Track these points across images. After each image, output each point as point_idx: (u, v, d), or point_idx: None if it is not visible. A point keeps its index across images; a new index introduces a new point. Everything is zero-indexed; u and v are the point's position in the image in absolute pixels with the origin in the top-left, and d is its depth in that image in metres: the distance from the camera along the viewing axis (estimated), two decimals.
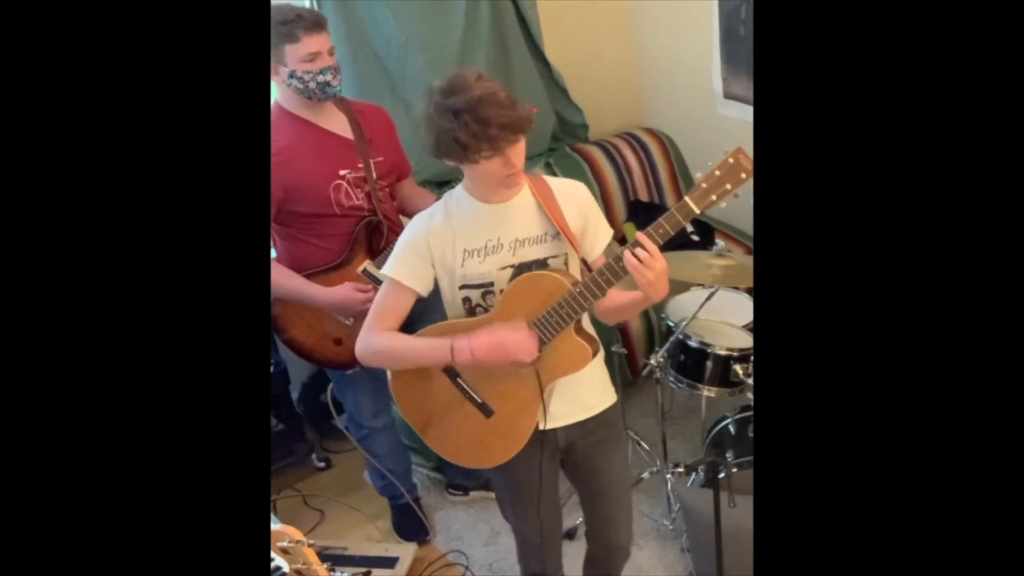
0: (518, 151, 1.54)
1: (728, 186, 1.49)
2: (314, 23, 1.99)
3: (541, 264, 1.66)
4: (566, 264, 1.69)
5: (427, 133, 1.52)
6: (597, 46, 3.50)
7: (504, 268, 1.65)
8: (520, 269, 1.65)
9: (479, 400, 1.74)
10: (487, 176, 1.56)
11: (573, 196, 1.69)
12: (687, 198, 1.51)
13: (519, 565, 2.03)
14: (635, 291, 1.59)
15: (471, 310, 1.69)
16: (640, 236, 1.52)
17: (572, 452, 1.82)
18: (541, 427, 1.72)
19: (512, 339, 1.59)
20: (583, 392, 1.77)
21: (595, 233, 1.71)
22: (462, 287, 1.67)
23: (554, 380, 1.69)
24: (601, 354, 1.76)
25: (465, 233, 1.64)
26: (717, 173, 1.48)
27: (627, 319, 1.55)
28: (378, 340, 1.67)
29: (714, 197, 1.49)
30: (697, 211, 1.51)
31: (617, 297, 1.66)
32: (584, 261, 1.72)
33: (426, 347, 1.67)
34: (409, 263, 1.65)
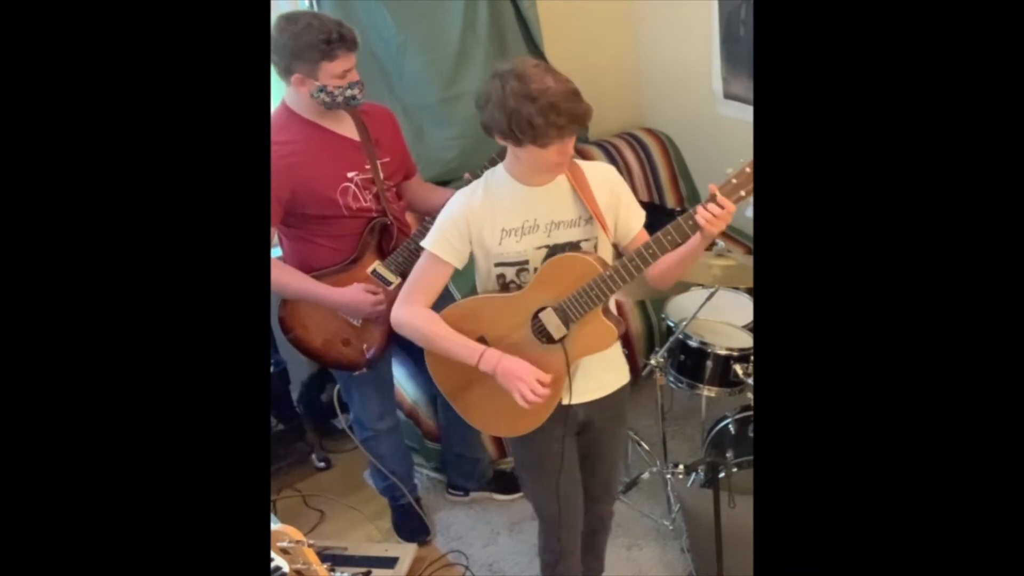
0: (572, 142, 1.65)
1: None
2: (353, 42, 2.01)
3: (574, 246, 1.74)
4: (596, 248, 1.77)
5: (498, 113, 1.59)
6: (597, 46, 3.50)
7: (539, 248, 1.74)
8: (554, 250, 1.74)
9: None
10: (540, 161, 1.65)
11: (605, 179, 1.78)
12: (717, 192, 1.58)
13: (539, 545, 2.06)
14: (690, 242, 1.66)
15: (504, 286, 1.78)
16: (714, 190, 1.59)
17: (588, 427, 1.91)
18: (565, 403, 1.81)
19: (527, 380, 1.69)
20: (602, 371, 1.86)
21: (628, 214, 1.79)
22: (498, 264, 1.76)
23: (580, 358, 1.78)
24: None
25: (504, 213, 1.73)
26: (748, 170, 1.56)
27: (679, 275, 1.67)
28: (415, 318, 1.76)
29: (743, 193, 1.57)
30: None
31: (666, 258, 1.70)
32: (615, 247, 1.81)
33: (459, 345, 1.75)
34: (447, 239, 1.74)
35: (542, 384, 1.70)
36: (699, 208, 1.60)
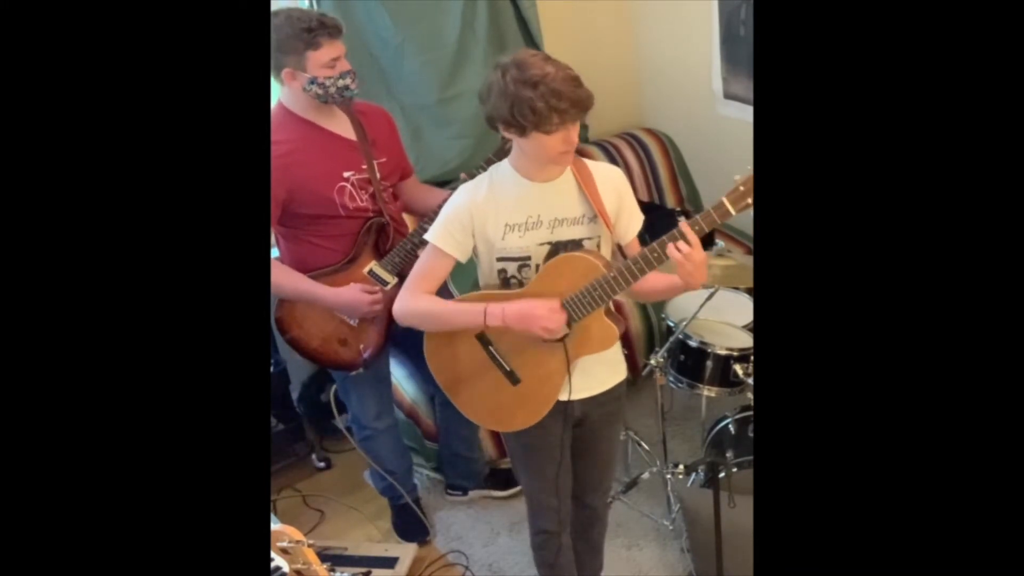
0: (576, 129, 1.64)
1: None
2: (336, 29, 2.00)
3: (576, 244, 1.75)
4: (599, 246, 1.77)
5: (500, 102, 1.59)
6: (597, 46, 3.49)
7: (542, 244, 1.74)
8: (556, 247, 1.74)
9: (508, 368, 1.83)
10: (544, 151, 1.64)
11: (611, 181, 1.79)
12: (724, 198, 1.58)
13: (528, 524, 2.07)
14: (673, 276, 1.68)
15: (505, 281, 1.78)
16: (683, 227, 1.61)
17: (584, 421, 1.92)
18: (564, 399, 1.83)
19: (542, 313, 1.69)
20: (600, 368, 1.87)
21: (629, 218, 1.81)
22: (500, 259, 1.76)
23: (581, 356, 1.79)
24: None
25: (508, 208, 1.73)
26: None
27: (661, 299, 1.70)
28: (416, 302, 1.78)
29: (750, 200, 1.56)
30: (733, 212, 1.58)
31: (655, 281, 1.76)
32: (618, 245, 1.82)
33: (461, 311, 1.76)
34: (450, 232, 1.74)
35: (552, 310, 1.69)
36: (669, 244, 1.61)
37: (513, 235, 1.73)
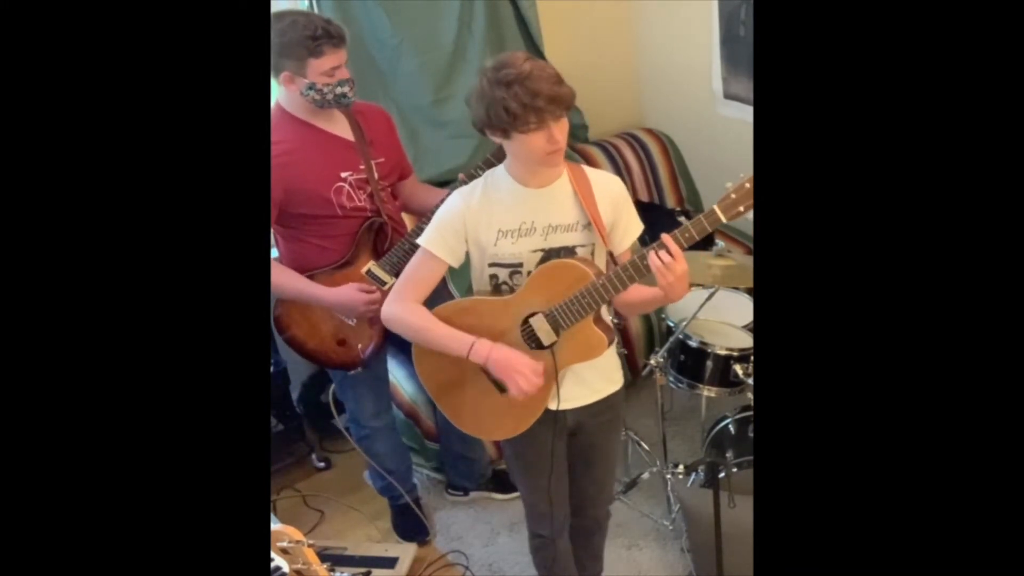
0: (562, 128, 1.60)
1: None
2: (340, 39, 2.00)
3: (569, 252, 1.72)
4: (592, 254, 1.75)
5: (478, 105, 1.58)
6: (597, 46, 3.50)
7: (535, 251, 1.72)
8: (549, 254, 1.72)
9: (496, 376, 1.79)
10: (530, 151, 1.61)
11: (608, 190, 1.75)
12: (715, 206, 1.56)
13: (527, 526, 2.07)
14: (655, 288, 1.66)
15: (496, 287, 1.76)
16: (665, 239, 1.59)
17: (579, 431, 1.90)
18: (553, 408, 1.80)
19: (525, 372, 1.69)
20: (594, 376, 1.84)
21: (625, 228, 1.78)
22: (492, 264, 1.74)
23: (569, 365, 1.76)
24: (615, 340, 1.84)
25: (501, 213, 1.71)
26: (747, 185, 1.53)
27: (644, 312, 1.67)
28: (406, 313, 1.75)
29: (741, 208, 1.54)
30: (724, 219, 1.56)
31: (637, 292, 1.73)
32: (611, 254, 1.79)
33: (448, 336, 1.73)
34: (443, 236, 1.72)
35: (536, 371, 1.69)
36: (651, 254, 1.59)
37: (505, 241, 1.70)
